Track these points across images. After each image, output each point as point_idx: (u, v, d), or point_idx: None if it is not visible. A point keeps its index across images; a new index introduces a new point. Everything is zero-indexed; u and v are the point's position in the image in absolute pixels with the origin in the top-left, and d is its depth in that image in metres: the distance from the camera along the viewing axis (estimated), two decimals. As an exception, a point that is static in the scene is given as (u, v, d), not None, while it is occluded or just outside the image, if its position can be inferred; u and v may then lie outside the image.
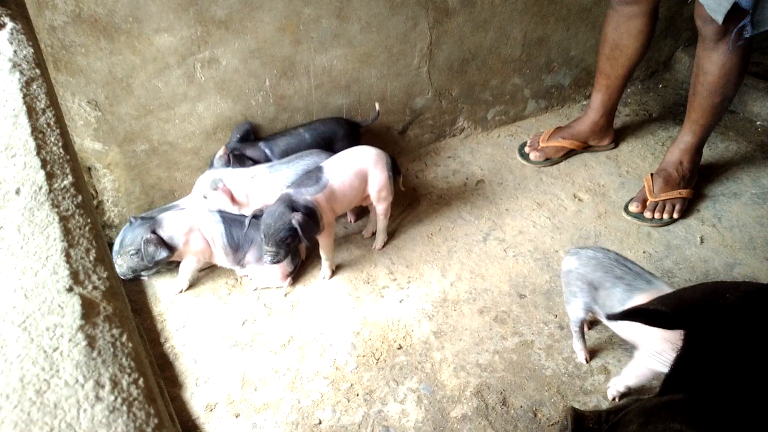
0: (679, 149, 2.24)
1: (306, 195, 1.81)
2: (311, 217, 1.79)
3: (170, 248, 1.83)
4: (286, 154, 2.05)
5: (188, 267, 1.92)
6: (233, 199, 1.89)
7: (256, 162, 2.03)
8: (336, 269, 2.03)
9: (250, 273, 1.95)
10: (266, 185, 1.91)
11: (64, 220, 0.56)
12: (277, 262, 1.80)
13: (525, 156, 2.50)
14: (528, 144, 2.53)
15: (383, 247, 2.10)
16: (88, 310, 0.49)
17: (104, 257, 0.55)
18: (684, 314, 1.15)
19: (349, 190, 1.89)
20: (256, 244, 1.88)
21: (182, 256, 1.89)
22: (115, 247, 1.85)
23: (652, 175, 2.26)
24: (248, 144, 2.06)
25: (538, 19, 2.45)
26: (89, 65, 1.78)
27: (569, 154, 2.50)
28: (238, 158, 2.00)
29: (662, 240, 2.13)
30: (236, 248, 1.90)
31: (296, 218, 1.73)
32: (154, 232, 1.82)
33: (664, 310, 1.15)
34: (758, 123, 2.72)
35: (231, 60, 1.96)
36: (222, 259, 1.92)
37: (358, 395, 1.65)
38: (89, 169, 1.99)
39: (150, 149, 2.02)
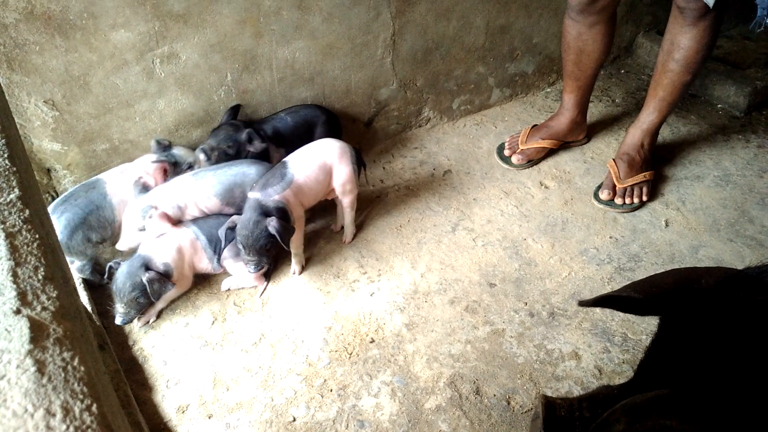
0: (642, 130, 2.25)
1: (274, 195, 1.79)
2: (284, 217, 1.78)
3: (170, 278, 1.79)
4: (275, 136, 2.10)
5: (166, 297, 1.86)
6: (169, 219, 1.85)
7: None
8: (305, 264, 2.01)
9: (228, 269, 1.93)
10: (192, 193, 1.88)
11: (10, 236, 0.53)
12: (261, 269, 1.79)
13: (506, 159, 2.43)
14: (507, 147, 2.45)
15: (352, 240, 2.09)
16: (37, 333, 0.46)
17: (54, 275, 0.52)
18: (658, 300, 1.16)
19: (314, 185, 1.88)
20: (232, 242, 1.85)
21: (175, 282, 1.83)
22: (116, 299, 1.76)
23: (614, 160, 2.28)
24: (245, 123, 2.07)
25: (501, 7, 2.45)
26: (44, 64, 1.73)
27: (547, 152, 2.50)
28: (256, 132, 2.03)
29: (628, 225, 2.16)
30: (219, 254, 1.88)
31: (272, 224, 1.73)
32: (148, 268, 1.75)
33: (637, 296, 1.16)
34: (719, 106, 2.77)
35: (191, 55, 1.92)
36: (206, 267, 1.90)
37: (331, 391, 1.64)
38: (48, 170, 1.94)
39: (111, 148, 1.98)
